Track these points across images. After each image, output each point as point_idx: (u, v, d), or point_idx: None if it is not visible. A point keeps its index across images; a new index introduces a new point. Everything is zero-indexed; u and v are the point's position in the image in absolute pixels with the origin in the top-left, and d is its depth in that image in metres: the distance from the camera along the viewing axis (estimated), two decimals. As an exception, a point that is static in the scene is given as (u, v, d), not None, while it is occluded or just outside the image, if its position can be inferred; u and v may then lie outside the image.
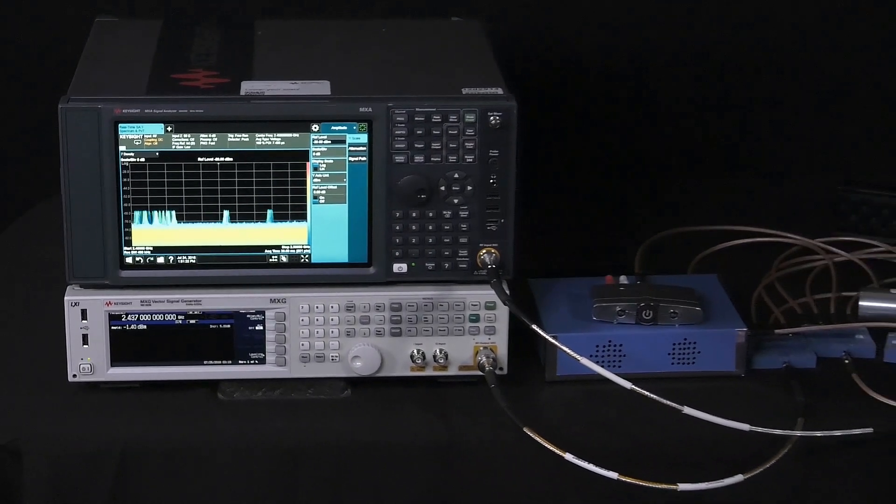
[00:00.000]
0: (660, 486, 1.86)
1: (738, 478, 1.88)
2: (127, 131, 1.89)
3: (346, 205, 1.95)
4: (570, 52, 2.55)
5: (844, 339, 2.12)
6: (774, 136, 2.65)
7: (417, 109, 1.91)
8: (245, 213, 1.94)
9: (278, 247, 1.96)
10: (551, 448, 1.86)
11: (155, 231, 1.94)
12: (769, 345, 2.10)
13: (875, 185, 2.42)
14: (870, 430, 1.95)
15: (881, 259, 2.34)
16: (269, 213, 1.94)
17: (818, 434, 1.93)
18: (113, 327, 1.95)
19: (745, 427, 1.89)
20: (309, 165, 1.93)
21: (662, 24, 2.57)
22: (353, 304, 1.97)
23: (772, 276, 2.28)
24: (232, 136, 1.91)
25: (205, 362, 1.98)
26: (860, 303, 2.18)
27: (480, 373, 1.98)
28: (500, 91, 1.95)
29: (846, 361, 2.08)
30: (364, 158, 1.93)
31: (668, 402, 1.89)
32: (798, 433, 1.92)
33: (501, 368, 1.99)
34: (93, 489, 1.90)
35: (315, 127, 1.92)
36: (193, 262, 1.95)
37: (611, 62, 2.57)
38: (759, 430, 1.90)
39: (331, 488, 1.94)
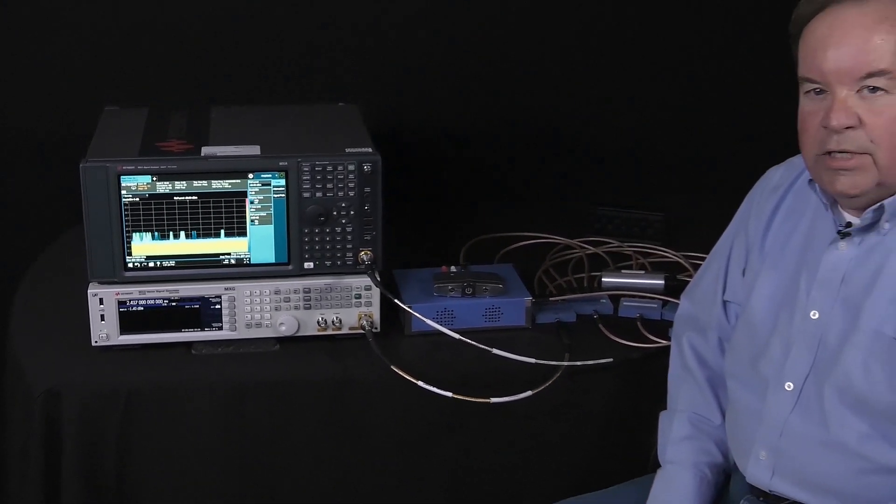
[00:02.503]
0: (479, 400, 1.89)
1: (528, 393, 1.91)
2: (126, 181, 1.88)
3: (273, 225, 1.94)
4: (415, 122, 2.56)
5: (593, 303, 2.15)
6: (549, 171, 2.67)
7: (317, 163, 1.92)
8: (206, 232, 1.93)
9: (228, 254, 1.95)
10: (409, 378, 1.88)
11: (147, 246, 1.92)
12: (546, 308, 2.12)
13: (612, 203, 2.43)
14: (610, 359, 1.99)
15: (615, 251, 2.36)
16: (222, 231, 1.93)
17: (578, 363, 1.96)
18: (121, 309, 1.93)
19: (532, 360, 1.93)
20: (247, 200, 1.92)
21: (474, 101, 2.58)
22: (279, 289, 1.97)
23: (547, 263, 2.30)
24: (196, 182, 1.90)
25: (182, 330, 1.96)
26: (603, 279, 2.21)
27: (362, 331, 1.98)
28: (370, 150, 1.96)
29: (595, 317, 2.11)
30: (283, 195, 1.93)
31: (483, 346, 1.92)
32: (565, 363, 1.95)
33: (376, 328, 2.00)
34: (109, 417, 1.89)
35: (250, 175, 1.91)
36: (173, 265, 1.94)
37: (440, 127, 2.58)
38: (541, 362, 1.93)
39: (267, 411, 1.94)
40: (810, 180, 1.64)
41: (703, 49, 2.61)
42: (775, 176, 1.77)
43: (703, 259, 1.90)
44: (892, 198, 1.56)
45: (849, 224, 1.61)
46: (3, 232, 2.48)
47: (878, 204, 1.57)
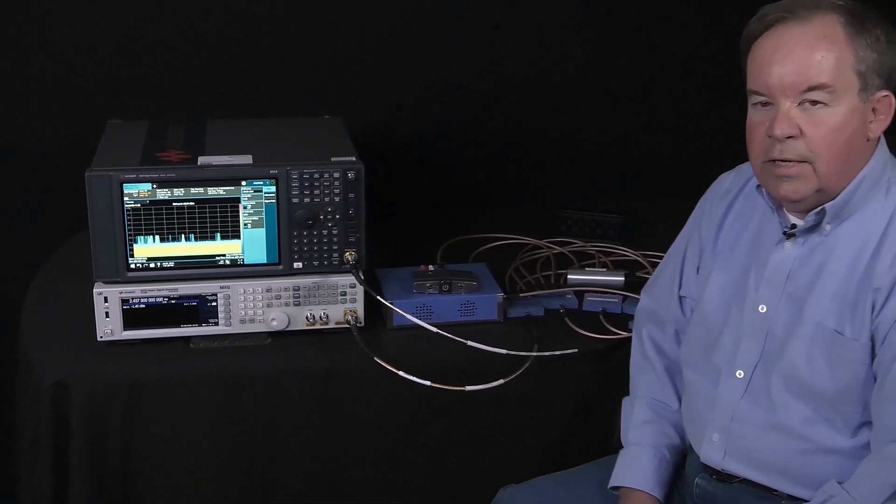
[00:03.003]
0: (455, 388, 1.88)
1: (500, 381, 1.91)
2: (129, 188, 1.86)
3: (264, 228, 1.93)
4: (396, 133, 2.55)
5: (559, 298, 2.15)
6: (518, 178, 2.67)
7: (305, 170, 1.91)
8: (202, 235, 1.92)
9: (223, 255, 1.94)
10: (391, 369, 1.87)
11: (148, 248, 1.90)
12: (516, 303, 2.11)
13: (576, 207, 2.43)
14: (575, 350, 1.99)
15: (579, 251, 2.36)
16: (217, 234, 1.92)
17: (546, 354, 1.96)
18: (124, 307, 1.91)
19: (503, 351, 1.92)
20: (240, 206, 1.91)
21: (450, 114, 2.58)
22: (270, 287, 1.96)
23: (517, 262, 2.29)
24: (193, 189, 1.89)
25: (181, 326, 1.95)
26: (568, 276, 2.21)
27: (348, 326, 1.97)
28: (353, 158, 1.94)
29: (561, 311, 2.11)
30: (274, 200, 1.92)
31: (458, 339, 1.91)
32: (534, 354, 1.95)
33: (360, 323, 1.99)
34: (114, 407, 1.87)
35: (243, 183, 1.90)
36: (172, 266, 1.92)
37: (419, 138, 2.57)
38: (512, 353, 1.93)
39: (260, 399, 1.93)
40: (758, 185, 1.65)
41: (658, 66, 2.62)
42: (726, 181, 1.77)
43: (659, 257, 1.91)
44: (832, 202, 1.56)
45: (793, 226, 1.62)
46: (13, 236, 2.46)
47: (820, 207, 1.57)
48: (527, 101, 2.61)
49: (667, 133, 2.68)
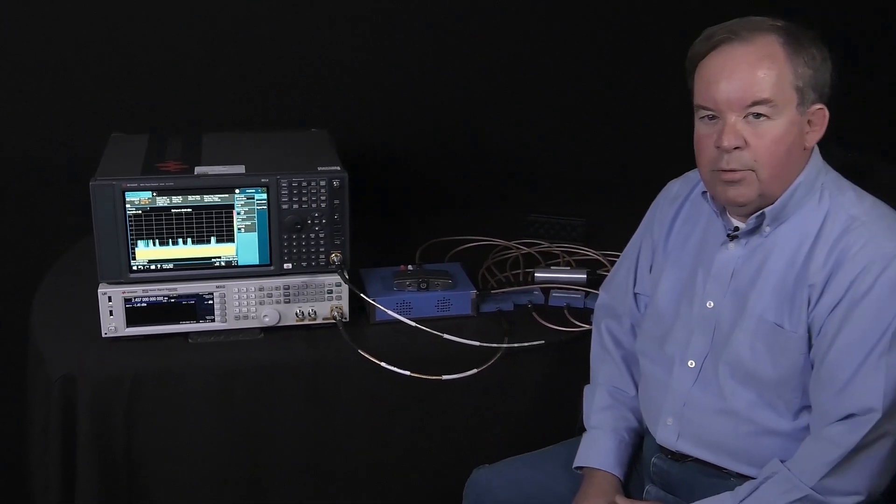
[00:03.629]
0: (432, 377, 1.88)
1: (474, 371, 1.91)
2: (130, 196, 1.87)
3: (256, 233, 1.93)
4: (377, 144, 2.55)
5: (527, 294, 2.15)
6: (489, 184, 2.68)
7: (293, 179, 1.91)
8: (199, 239, 1.92)
9: (219, 257, 1.94)
10: (373, 360, 1.88)
11: (149, 251, 1.91)
12: (488, 299, 2.12)
13: (542, 211, 2.44)
14: (542, 342, 1.99)
15: (545, 251, 2.37)
16: (213, 238, 1.92)
17: (515, 345, 1.97)
18: (127, 306, 1.91)
19: (477, 343, 1.93)
20: (234, 212, 1.91)
21: (426, 126, 2.58)
22: (263, 286, 1.96)
23: (488, 262, 2.30)
24: (190, 197, 1.89)
25: (180, 322, 1.95)
26: (535, 274, 2.22)
27: (334, 321, 1.98)
28: (338, 168, 1.95)
29: (529, 306, 2.12)
30: (265, 206, 1.92)
31: (435, 332, 1.92)
32: (504, 346, 1.95)
33: (345, 318, 1.99)
34: (118, 398, 1.87)
35: (237, 190, 1.90)
36: (171, 267, 1.92)
37: (398, 148, 2.58)
38: (485, 344, 1.93)
39: (253, 390, 1.93)
40: (703, 192, 1.67)
41: (616, 84, 2.64)
42: (674, 188, 1.79)
43: (618, 257, 1.92)
44: (771, 206, 1.58)
45: (736, 228, 1.64)
46: (24, 240, 2.45)
47: (760, 211, 1.59)
48: (497, 114, 2.62)
49: (623, 143, 2.70)
